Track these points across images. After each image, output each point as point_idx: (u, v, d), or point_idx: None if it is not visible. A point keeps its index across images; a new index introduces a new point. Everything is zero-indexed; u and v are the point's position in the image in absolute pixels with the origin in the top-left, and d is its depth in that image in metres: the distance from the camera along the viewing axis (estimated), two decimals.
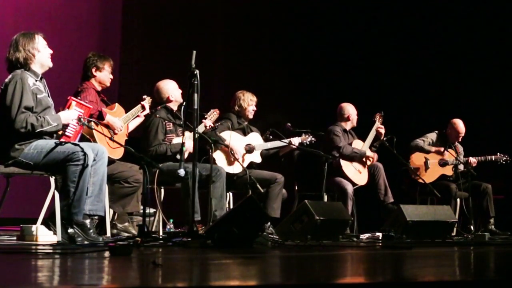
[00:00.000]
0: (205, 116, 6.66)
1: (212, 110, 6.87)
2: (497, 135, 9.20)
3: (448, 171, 8.11)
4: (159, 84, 6.75)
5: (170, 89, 6.70)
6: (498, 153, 8.18)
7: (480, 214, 8.03)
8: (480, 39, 9.65)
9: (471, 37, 9.68)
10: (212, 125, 6.71)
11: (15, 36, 5.19)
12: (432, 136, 8.27)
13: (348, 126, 7.81)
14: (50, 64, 5.24)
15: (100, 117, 5.79)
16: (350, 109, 7.83)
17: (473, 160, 8.07)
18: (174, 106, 6.70)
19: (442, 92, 9.74)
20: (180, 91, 6.72)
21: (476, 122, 8.95)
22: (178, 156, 6.38)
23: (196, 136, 5.31)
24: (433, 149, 8.13)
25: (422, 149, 8.13)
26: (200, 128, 6.42)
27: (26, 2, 8.30)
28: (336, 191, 7.50)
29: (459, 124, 8.24)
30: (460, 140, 8.30)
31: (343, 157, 7.56)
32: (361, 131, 7.87)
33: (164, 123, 6.55)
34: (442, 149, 8.08)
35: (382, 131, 7.73)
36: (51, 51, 5.25)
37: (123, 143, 6.04)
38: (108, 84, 6.29)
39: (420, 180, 7.69)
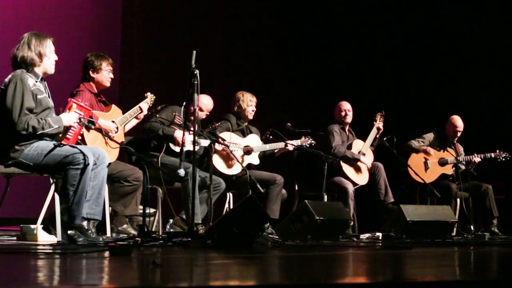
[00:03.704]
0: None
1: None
2: (497, 135, 9.16)
3: (448, 170, 8.06)
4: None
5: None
6: (498, 150, 8.07)
7: (484, 215, 7.99)
8: (478, 38, 9.65)
9: (470, 36, 9.68)
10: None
11: (26, 34, 5.14)
12: (430, 136, 8.18)
13: (344, 122, 7.80)
14: (52, 71, 5.23)
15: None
16: (341, 105, 7.84)
17: (477, 159, 7.95)
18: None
19: (442, 92, 9.73)
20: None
21: (476, 121, 8.95)
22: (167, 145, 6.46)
23: (196, 135, 5.32)
24: (423, 148, 8.04)
25: (412, 148, 8.01)
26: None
27: (26, 2, 8.30)
28: (336, 191, 7.49)
29: (457, 119, 8.17)
30: (458, 135, 8.18)
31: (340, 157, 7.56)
32: (361, 131, 7.86)
33: (174, 114, 6.55)
34: (431, 150, 8.02)
35: (380, 126, 7.69)
36: (56, 58, 5.23)
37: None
38: (108, 85, 6.18)
39: (420, 180, 7.66)
